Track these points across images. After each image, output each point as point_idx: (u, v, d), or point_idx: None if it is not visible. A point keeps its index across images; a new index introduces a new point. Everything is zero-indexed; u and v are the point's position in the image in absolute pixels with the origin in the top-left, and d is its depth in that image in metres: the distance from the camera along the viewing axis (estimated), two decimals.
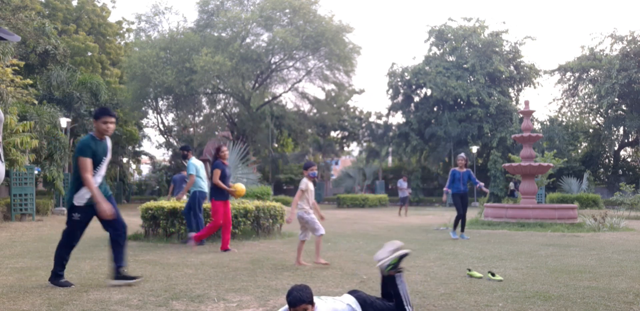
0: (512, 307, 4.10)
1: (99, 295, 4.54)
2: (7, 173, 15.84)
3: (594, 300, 4.35)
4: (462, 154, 10.38)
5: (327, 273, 5.75)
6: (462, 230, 10.16)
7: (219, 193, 7.82)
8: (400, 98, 37.01)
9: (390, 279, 3.59)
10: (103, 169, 5.06)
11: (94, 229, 9.16)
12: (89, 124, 23.97)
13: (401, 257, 3.63)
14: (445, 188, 10.40)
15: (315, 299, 3.24)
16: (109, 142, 5.25)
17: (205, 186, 8.94)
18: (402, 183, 20.28)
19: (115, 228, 5.01)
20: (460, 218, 10.07)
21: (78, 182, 4.90)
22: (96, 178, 4.94)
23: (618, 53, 32.97)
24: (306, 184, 6.49)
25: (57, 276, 4.96)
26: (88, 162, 4.85)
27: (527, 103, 14.04)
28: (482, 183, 9.91)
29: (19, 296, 4.48)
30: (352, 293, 3.56)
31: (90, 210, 4.91)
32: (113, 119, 5.09)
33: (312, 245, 7.04)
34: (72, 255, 5.25)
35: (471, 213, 13.66)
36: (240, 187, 7.90)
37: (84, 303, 4.22)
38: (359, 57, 35.94)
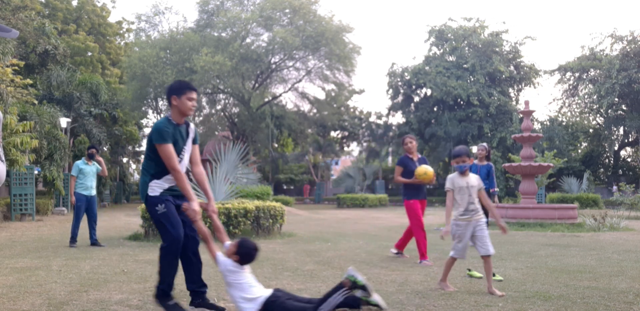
0: (512, 307, 4.09)
1: (99, 295, 4.54)
2: (7, 173, 15.84)
3: (594, 300, 4.35)
4: (484, 144, 8.66)
5: (327, 273, 5.75)
6: None
7: (409, 191, 6.86)
8: (400, 98, 37.02)
9: (338, 286, 3.73)
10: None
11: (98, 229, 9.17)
12: (88, 124, 23.97)
13: (365, 288, 3.78)
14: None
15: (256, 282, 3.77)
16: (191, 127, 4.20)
17: (85, 188, 8.58)
18: None
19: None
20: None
21: (153, 172, 4.01)
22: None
23: (618, 53, 33.00)
24: (452, 181, 4.97)
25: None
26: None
27: (527, 103, 14.04)
28: (496, 189, 8.61)
29: (19, 296, 4.48)
30: (275, 290, 3.76)
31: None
32: (195, 95, 4.11)
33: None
34: (72, 255, 5.24)
35: None
36: (423, 170, 6.58)
37: (84, 303, 4.22)
38: (359, 57, 35.94)
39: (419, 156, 7.13)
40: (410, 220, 6.93)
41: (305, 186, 42.67)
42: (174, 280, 3.94)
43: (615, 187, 23.87)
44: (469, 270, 5.67)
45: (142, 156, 39.62)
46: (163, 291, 3.91)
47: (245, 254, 3.73)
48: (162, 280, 3.89)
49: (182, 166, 3.96)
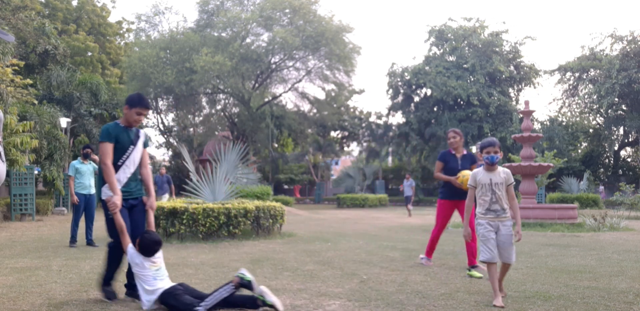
0: (512, 307, 4.09)
1: (99, 295, 4.54)
2: (7, 173, 15.84)
3: (594, 300, 4.35)
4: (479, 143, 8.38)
5: (327, 273, 5.75)
6: None
7: (444, 189, 6.32)
8: (400, 98, 37.03)
9: (226, 283, 4.01)
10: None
11: (95, 229, 9.17)
12: (88, 124, 23.98)
13: (251, 285, 3.96)
14: None
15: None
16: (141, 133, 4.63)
17: (83, 187, 8.60)
18: (405, 182, 20.20)
19: None
20: None
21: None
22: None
23: (618, 53, 33.01)
24: (474, 177, 4.49)
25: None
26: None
27: (527, 103, 14.04)
28: None
29: (19, 296, 4.48)
30: (178, 284, 4.06)
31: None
32: (146, 112, 4.51)
33: (312, 244, 6.99)
34: (72, 255, 5.26)
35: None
36: (467, 176, 5.86)
37: (84, 303, 4.22)
38: (359, 57, 35.98)
39: (465, 152, 6.42)
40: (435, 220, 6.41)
41: (296, 186, 42.84)
42: (116, 274, 4.45)
43: (602, 187, 23.83)
44: (469, 270, 5.66)
45: None
46: (105, 281, 4.41)
47: (144, 247, 4.06)
48: (106, 271, 4.41)
49: (131, 164, 4.40)
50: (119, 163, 4.36)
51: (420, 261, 6.45)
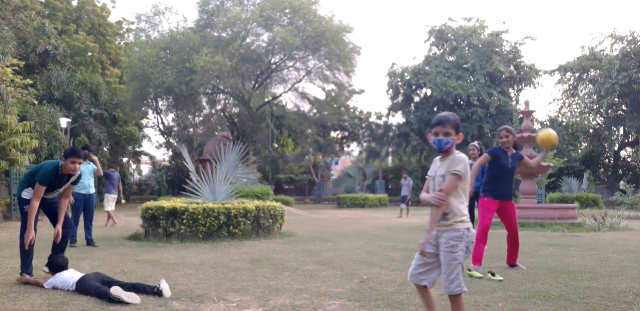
0: (512, 307, 4.09)
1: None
2: (7, 173, 15.85)
3: (594, 300, 4.35)
4: (474, 143, 8.27)
5: (327, 273, 5.75)
6: None
7: (488, 188, 5.99)
8: (400, 98, 37.02)
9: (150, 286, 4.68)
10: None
11: (95, 229, 9.18)
12: (88, 124, 23.99)
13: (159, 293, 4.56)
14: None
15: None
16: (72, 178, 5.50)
17: (83, 187, 8.62)
18: (402, 181, 20.16)
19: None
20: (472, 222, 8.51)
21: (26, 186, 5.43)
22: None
23: (618, 53, 32.98)
24: (465, 166, 3.12)
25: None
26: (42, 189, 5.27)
27: (527, 103, 14.03)
28: None
29: (19, 296, 4.48)
30: (94, 273, 4.88)
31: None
32: (81, 160, 5.34)
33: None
34: (72, 255, 5.28)
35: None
36: (545, 134, 5.65)
37: (84, 303, 4.22)
38: (359, 57, 35.94)
39: (514, 151, 6.08)
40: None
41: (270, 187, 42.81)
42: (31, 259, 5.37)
43: (622, 182, 23.65)
44: (469, 270, 5.66)
45: (142, 156, 39.66)
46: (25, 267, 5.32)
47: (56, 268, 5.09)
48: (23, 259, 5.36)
49: (54, 195, 5.50)
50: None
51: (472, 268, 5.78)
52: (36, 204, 5.22)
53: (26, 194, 5.40)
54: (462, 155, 3.12)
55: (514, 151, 6.09)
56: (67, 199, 5.58)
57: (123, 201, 15.41)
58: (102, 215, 14.59)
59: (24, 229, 5.32)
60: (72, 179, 5.43)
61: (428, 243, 3.15)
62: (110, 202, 13.39)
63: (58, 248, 5.58)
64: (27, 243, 5.23)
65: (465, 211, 3.11)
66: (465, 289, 3.09)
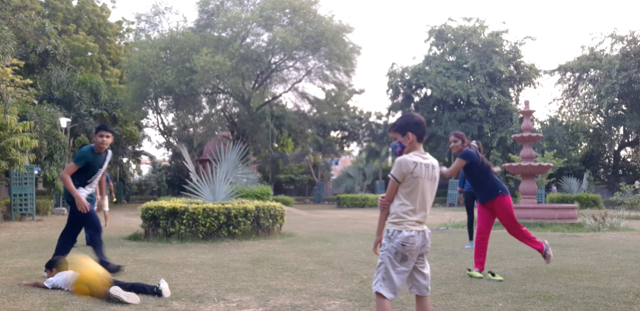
0: (512, 307, 4.09)
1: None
2: (7, 173, 15.85)
3: (594, 300, 4.35)
4: (473, 142, 8.54)
5: (327, 273, 5.75)
6: (470, 238, 8.57)
7: (503, 186, 5.73)
8: (400, 98, 37.04)
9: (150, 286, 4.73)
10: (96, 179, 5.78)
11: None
12: (88, 124, 23.98)
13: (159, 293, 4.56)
14: (458, 188, 8.33)
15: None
16: (108, 155, 5.90)
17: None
18: None
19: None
20: (472, 223, 8.39)
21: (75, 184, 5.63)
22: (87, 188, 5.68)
23: (618, 53, 32.99)
24: (398, 169, 3.02)
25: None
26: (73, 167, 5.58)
27: (527, 103, 14.03)
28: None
29: (19, 296, 4.48)
30: None
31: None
32: (109, 134, 5.76)
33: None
34: (72, 255, 5.27)
35: None
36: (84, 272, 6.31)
37: (84, 303, 4.22)
38: (359, 57, 35.99)
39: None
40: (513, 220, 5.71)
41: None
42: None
43: (637, 181, 23.40)
44: (469, 270, 5.66)
45: (142, 156, 39.68)
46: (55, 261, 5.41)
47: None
48: (56, 252, 5.65)
49: (95, 180, 5.75)
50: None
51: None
52: (67, 176, 5.50)
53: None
54: (399, 158, 3.05)
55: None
56: (103, 176, 6.00)
57: (114, 199, 15.60)
58: (102, 215, 14.59)
59: (72, 218, 5.68)
60: (109, 158, 5.88)
61: (377, 245, 3.15)
62: (106, 202, 13.57)
63: (92, 242, 5.80)
64: (85, 208, 5.46)
65: (402, 213, 3.00)
66: (382, 291, 2.91)
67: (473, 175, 5.80)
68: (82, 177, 5.64)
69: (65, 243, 5.75)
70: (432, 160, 3.13)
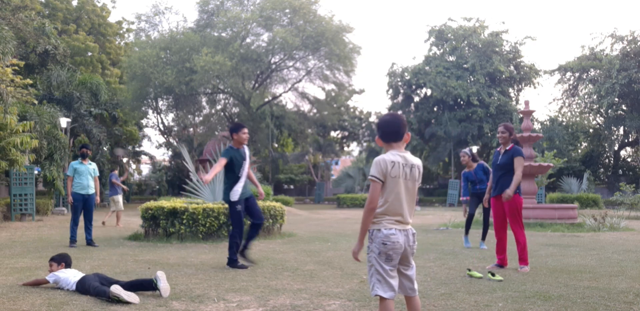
0: (512, 307, 4.09)
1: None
2: (7, 173, 15.85)
3: (594, 300, 4.35)
4: (465, 150, 8.60)
5: (327, 273, 5.75)
6: (483, 238, 8.46)
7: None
8: (400, 98, 37.03)
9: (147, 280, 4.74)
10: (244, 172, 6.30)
11: (95, 229, 9.17)
12: (88, 124, 23.98)
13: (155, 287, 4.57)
14: (461, 198, 8.89)
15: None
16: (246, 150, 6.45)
17: (82, 187, 8.60)
18: None
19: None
20: (472, 219, 8.59)
21: (230, 182, 6.24)
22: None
23: (618, 53, 32.97)
24: (375, 168, 3.02)
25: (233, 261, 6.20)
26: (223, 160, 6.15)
27: (527, 103, 14.03)
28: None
29: (19, 296, 4.48)
30: (94, 274, 4.83)
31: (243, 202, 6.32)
32: (246, 129, 6.38)
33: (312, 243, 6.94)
34: (72, 255, 5.27)
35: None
36: None
37: (84, 303, 4.22)
38: (359, 57, 35.99)
39: (507, 149, 6.20)
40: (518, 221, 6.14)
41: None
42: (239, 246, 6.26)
43: None
44: (469, 270, 5.66)
45: (142, 156, 39.67)
46: (236, 258, 6.21)
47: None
48: (232, 252, 6.22)
49: (244, 172, 6.29)
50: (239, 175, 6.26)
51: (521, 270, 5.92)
52: (219, 167, 6.09)
53: (233, 196, 6.21)
54: (377, 158, 3.00)
55: (507, 148, 6.17)
56: (250, 171, 6.50)
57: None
58: (101, 215, 14.58)
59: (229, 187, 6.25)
60: (248, 152, 6.44)
61: (360, 250, 3.07)
62: (120, 202, 13.76)
63: (251, 234, 6.41)
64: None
65: (379, 213, 3.00)
66: (380, 293, 2.89)
67: (506, 169, 6.11)
68: (230, 172, 6.27)
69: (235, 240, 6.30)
70: (412, 160, 3.00)
